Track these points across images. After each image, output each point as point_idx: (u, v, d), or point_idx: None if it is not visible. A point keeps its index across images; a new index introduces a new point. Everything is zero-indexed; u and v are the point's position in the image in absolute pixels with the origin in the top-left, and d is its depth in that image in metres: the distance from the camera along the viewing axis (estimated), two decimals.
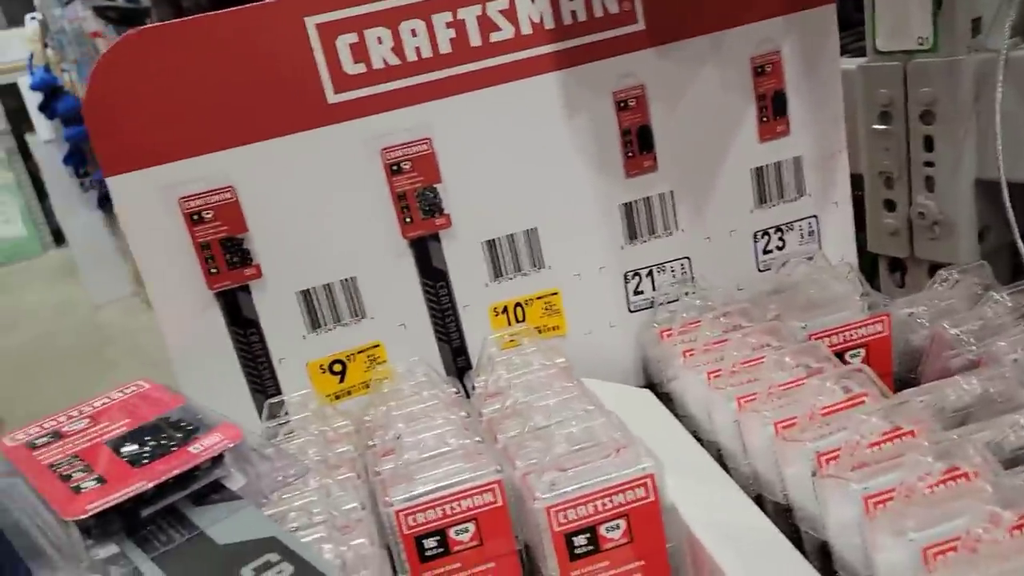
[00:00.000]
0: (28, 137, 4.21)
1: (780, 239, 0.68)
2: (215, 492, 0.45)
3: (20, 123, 4.36)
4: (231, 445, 0.44)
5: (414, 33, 0.57)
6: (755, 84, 0.64)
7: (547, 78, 0.60)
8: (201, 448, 0.43)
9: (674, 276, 0.67)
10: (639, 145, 0.63)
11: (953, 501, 0.39)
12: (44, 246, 4.65)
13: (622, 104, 0.62)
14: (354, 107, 0.58)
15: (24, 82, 3.92)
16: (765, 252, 0.68)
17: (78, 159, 3.77)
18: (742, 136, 0.65)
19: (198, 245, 0.57)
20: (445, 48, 0.58)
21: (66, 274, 4.15)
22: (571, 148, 0.62)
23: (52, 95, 3.65)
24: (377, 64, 0.57)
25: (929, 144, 0.67)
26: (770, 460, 0.50)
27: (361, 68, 0.57)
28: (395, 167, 0.59)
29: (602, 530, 0.47)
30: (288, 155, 0.57)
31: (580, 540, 0.47)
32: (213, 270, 0.58)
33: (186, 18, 0.54)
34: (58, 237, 4.39)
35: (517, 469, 0.50)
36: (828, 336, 0.59)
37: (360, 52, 0.57)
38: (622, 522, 0.47)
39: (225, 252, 0.58)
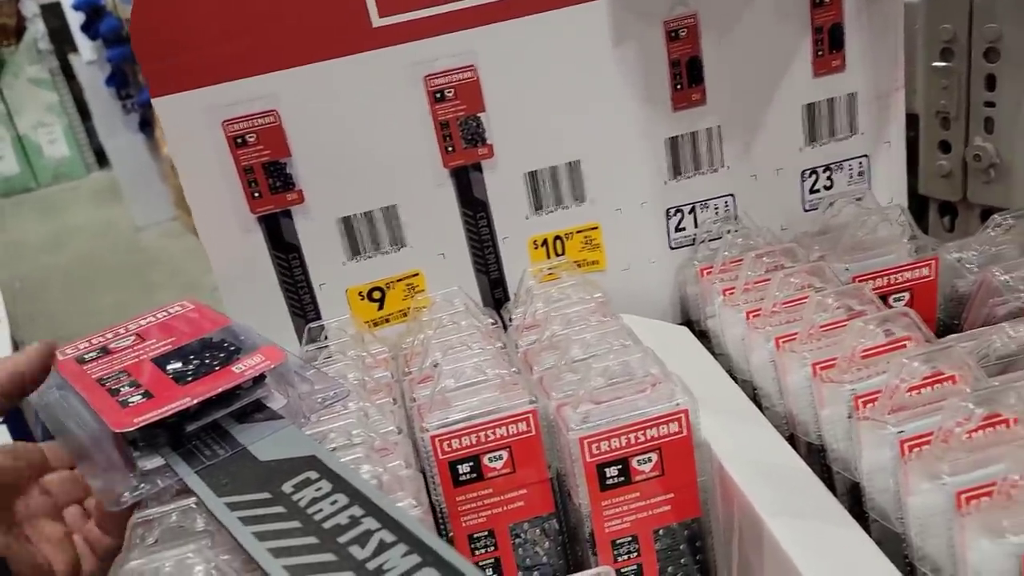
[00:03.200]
0: (71, 57, 4.24)
1: (828, 179, 0.66)
2: (257, 411, 0.46)
3: (63, 43, 4.38)
4: (273, 366, 0.45)
5: None
6: (812, 16, 0.62)
7: (596, 4, 0.59)
8: (243, 368, 0.44)
9: (717, 213, 0.66)
10: (688, 77, 0.62)
11: (991, 447, 0.39)
12: (87, 167, 4.71)
13: (673, 34, 0.60)
14: (398, 31, 0.57)
15: (67, 1, 3.92)
16: (812, 192, 0.67)
17: (120, 80, 3.79)
18: (795, 70, 0.63)
19: (241, 169, 0.57)
20: None
21: (109, 196, 4.22)
22: (618, 79, 0.61)
23: (94, 15, 3.65)
24: None
25: (991, 83, 0.64)
26: (806, 400, 0.50)
27: None
28: (438, 95, 0.59)
29: (634, 462, 0.48)
30: (332, 79, 0.57)
31: (612, 471, 0.48)
32: (256, 194, 0.58)
33: None
34: (100, 158, 4.45)
35: (552, 400, 0.50)
36: (872, 278, 0.58)
37: None
38: (654, 455, 0.48)
39: (268, 176, 0.58)
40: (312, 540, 0.36)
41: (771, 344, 0.53)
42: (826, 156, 0.66)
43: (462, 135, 0.60)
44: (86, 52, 3.93)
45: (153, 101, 0.55)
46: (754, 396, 0.56)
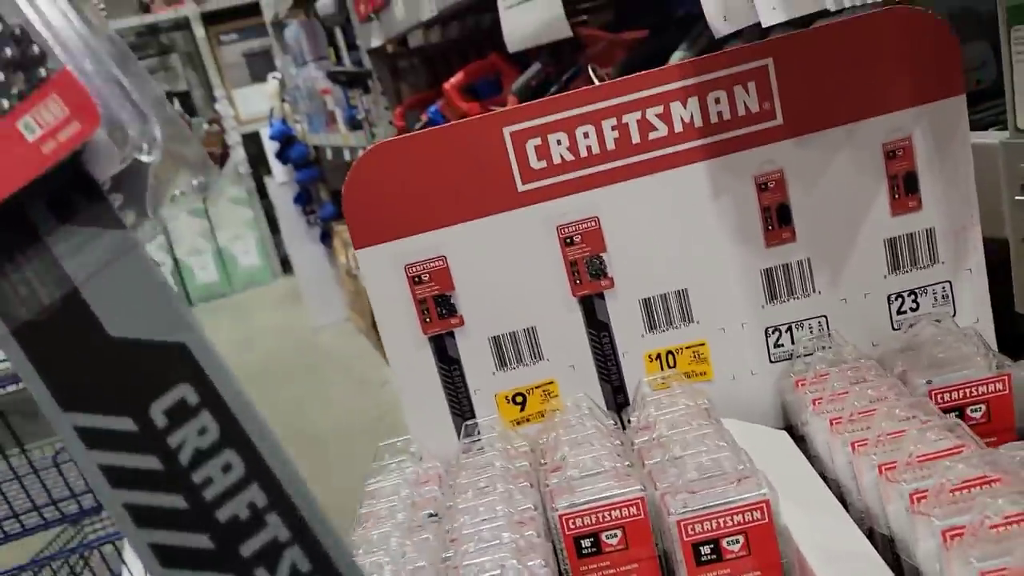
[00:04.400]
0: (266, 179, 4.85)
1: (914, 301, 0.75)
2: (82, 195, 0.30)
3: (259, 167, 5.03)
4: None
5: (586, 135, 0.72)
6: (887, 167, 0.72)
7: (696, 167, 0.73)
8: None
9: (811, 332, 0.76)
10: (778, 220, 0.74)
11: (1016, 538, 0.47)
12: (274, 274, 5.26)
13: (762, 186, 0.73)
14: (537, 194, 0.73)
15: (264, 132, 4.52)
16: (899, 313, 0.76)
17: (305, 199, 4.27)
18: (875, 211, 0.73)
19: (417, 301, 0.75)
20: (611, 146, 0.72)
21: (292, 299, 4.69)
22: (717, 223, 0.74)
23: (287, 143, 4.17)
24: (556, 160, 0.72)
25: None
26: (876, 496, 0.59)
27: (543, 164, 0.72)
28: (568, 240, 0.74)
29: (724, 543, 0.58)
30: (486, 232, 0.73)
31: (705, 550, 0.59)
32: (427, 320, 0.75)
33: (415, 132, 0.71)
34: (286, 266, 4.98)
35: (658, 489, 0.62)
36: (950, 391, 0.66)
37: (543, 151, 0.72)
38: (741, 537, 0.58)
39: (436, 306, 0.75)
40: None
41: (848, 448, 0.62)
42: (910, 282, 0.75)
43: (587, 271, 0.75)
44: (279, 175, 4.49)
45: (356, 252, 0.73)
46: (839, 493, 0.65)
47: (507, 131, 0.72)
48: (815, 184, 0.73)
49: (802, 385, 0.72)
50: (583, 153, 0.72)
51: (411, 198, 0.73)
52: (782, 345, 0.77)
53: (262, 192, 5.06)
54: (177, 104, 5.09)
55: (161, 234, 4.93)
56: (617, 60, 1.26)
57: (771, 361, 0.77)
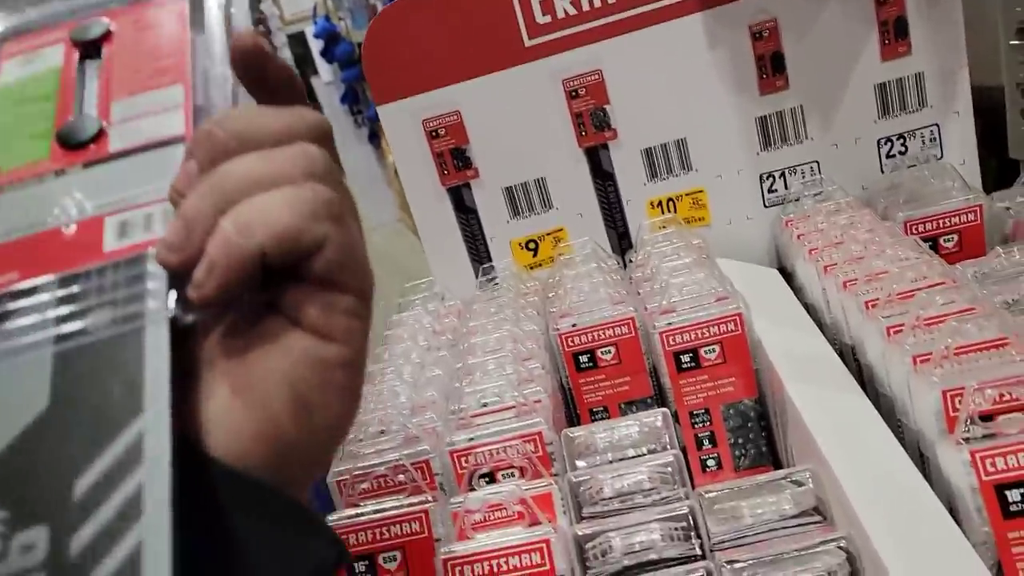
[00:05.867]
0: (312, 80, 4.89)
1: (903, 145, 0.79)
2: None
3: (305, 67, 5.07)
4: None
5: None
6: (877, 12, 0.75)
7: (694, 17, 0.77)
8: None
9: (804, 177, 0.81)
10: (772, 68, 0.78)
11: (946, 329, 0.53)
12: None
13: (757, 35, 0.77)
14: (543, 48, 0.78)
15: (308, 31, 4.53)
16: (888, 156, 0.80)
17: (352, 98, 4.32)
18: (865, 57, 0.77)
19: (435, 154, 0.82)
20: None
21: None
22: (714, 73, 0.78)
23: (331, 41, 4.19)
24: (560, 14, 0.77)
25: None
26: (840, 308, 0.65)
27: (548, 19, 0.77)
28: (573, 93, 0.79)
29: (702, 351, 0.66)
30: (497, 86, 0.79)
31: (685, 358, 0.66)
32: (445, 172, 0.82)
33: None
34: None
35: (647, 310, 0.69)
36: (924, 222, 0.71)
37: (547, 6, 0.77)
38: (717, 347, 0.65)
39: (453, 159, 0.82)
40: None
41: (821, 271, 0.68)
42: (899, 126, 0.78)
43: (592, 123, 0.80)
44: (324, 74, 4.53)
45: (377, 107, 0.80)
46: (817, 317, 0.71)
47: None
48: (808, 32, 0.76)
49: (790, 224, 0.78)
50: (585, 7, 0.77)
51: (426, 55, 0.79)
52: (776, 190, 0.82)
53: (309, 94, 5.11)
54: None
55: None
56: None
57: (765, 206, 0.82)
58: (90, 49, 0.39)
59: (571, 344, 0.70)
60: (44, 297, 0.31)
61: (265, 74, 0.34)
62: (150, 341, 0.30)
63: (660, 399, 0.71)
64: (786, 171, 0.81)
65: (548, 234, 0.85)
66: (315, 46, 4.38)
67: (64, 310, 0.31)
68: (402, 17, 0.78)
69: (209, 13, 0.40)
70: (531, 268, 0.86)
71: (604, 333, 0.70)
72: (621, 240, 0.85)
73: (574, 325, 0.70)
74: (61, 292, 0.31)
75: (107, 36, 0.39)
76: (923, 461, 0.52)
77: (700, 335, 0.65)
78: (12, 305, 0.31)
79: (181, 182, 0.32)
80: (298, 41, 5.04)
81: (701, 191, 0.82)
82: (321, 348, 0.31)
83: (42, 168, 0.35)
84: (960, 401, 0.48)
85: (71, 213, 0.33)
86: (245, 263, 0.29)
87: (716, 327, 0.65)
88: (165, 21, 0.40)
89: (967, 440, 0.47)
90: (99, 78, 0.38)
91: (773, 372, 0.64)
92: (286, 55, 5.13)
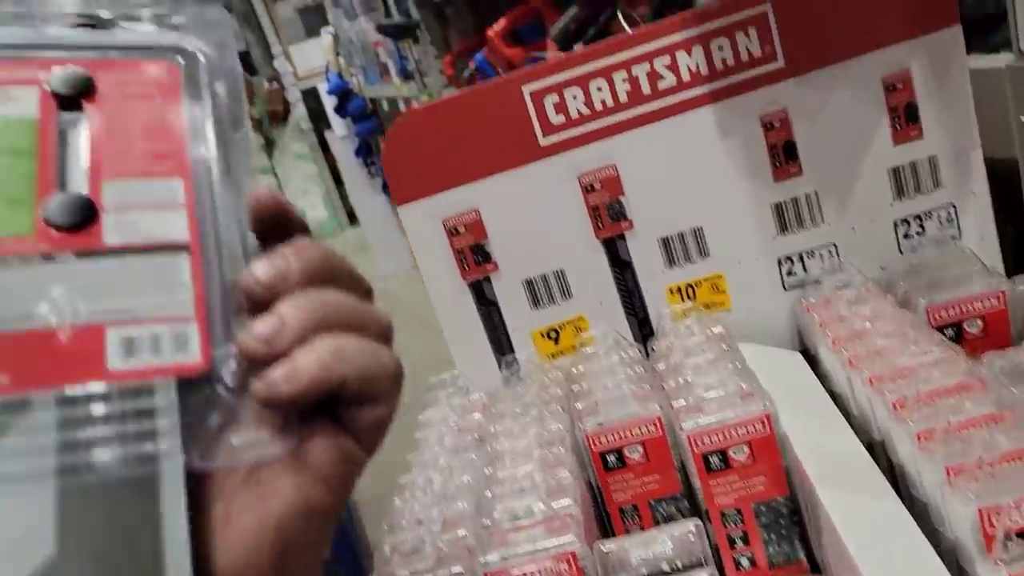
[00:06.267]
0: (327, 134, 4.97)
1: (920, 226, 0.79)
2: None
3: (319, 122, 5.15)
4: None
5: (599, 89, 0.78)
6: (887, 99, 0.76)
7: (704, 111, 0.78)
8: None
9: (823, 260, 0.81)
10: (785, 156, 0.79)
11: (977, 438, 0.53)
12: (342, 226, 5.42)
13: (768, 125, 0.78)
14: (558, 146, 0.79)
15: (322, 87, 4.61)
16: (906, 237, 0.80)
17: (366, 151, 4.38)
18: (877, 142, 0.77)
19: (455, 250, 0.83)
20: (623, 97, 0.78)
21: (359, 250, 4.85)
22: (727, 162, 0.79)
23: (344, 97, 4.25)
24: (573, 114, 0.78)
25: None
26: (867, 403, 0.65)
27: (562, 118, 0.79)
28: (589, 187, 0.81)
29: (731, 452, 0.66)
30: (514, 183, 0.81)
31: (715, 459, 0.66)
32: (465, 267, 0.83)
33: (441, 99, 0.78)
34: (352, 218, 5.13)
35: (674, 408, 0.69)
36: (947, 308, 0.71)
37: (560, 107, 0.78)
38: (745, 447, 0.65)
39: (473, 254, 0.83)
40: None
41: (846, 364, 0.68)
42: (915, 208, 0.79)
43: (608, 214, 0.81)
44: (338, 128, 4.60)
45: (398, 208, 0.82)
46: (842, 406, 0.71)
47: (526, 90, 0.78)
48: (819, 120, 0.77)
49: (811, 309, 0.78)
50: (598, 106, 0.78)
51: (444, 157, 0.80)
52: (795, 273, 0.82)
53: (324, 146, 5.19)
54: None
55: None
56: None
57: (785, 289, 0.83)
58: (68, 103, 0.34)
59: (598, 444, 0.70)
60: (43, 417, 0.29)
61: (286, 228, 0.35)
62: (167, 491, 0.29)
63: (689, 494, 0.70)
64: (804, 254, 0.82)
65: (569, 323, 0.85)
66: (329, 102, 4.45)
67: (66, 436, 0.29)
68: (420, 122, 0.79)
69: (202, 83, 0.36)
70: (553, 356, 0.86)
71: (631, 432, 0.70)
72: (642, 326, 0.85)
73: (600, 424, 0.70)
74: (62, 413, 0.29)
75: (89, 91, 0.35)
76: (961, 573, 0.52)
77: (728, 436, 0.65)
78: (6, 418, 0.29)
79: (270, 276, 0.32)
80: (312, 96, 5.13)
81: (720, 276, 0.83)
82: (315, 495, 0.31)
83: (27, 247, 0.31)
84: (997, 518, 0.48)
85: (65, 313, 0.31)
86: (324, 385, 0.30)
87: (744, 428, 0.65)
88: (156, 88, 0.36)
89: (1006, 562, 0.46)
90: (83, 145, 0.34)
91: (803, 472, 0.64)
92: (300, 110, 5.23)
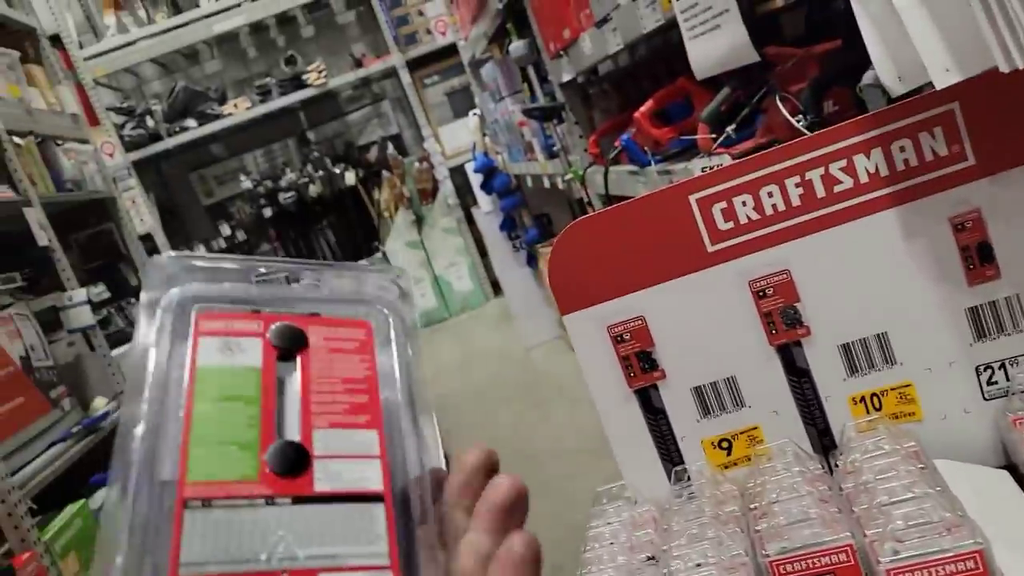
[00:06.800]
0: (472, 209, 5.14)
1: None
2: None
3: (466, 197, 5.33)
4: None
5: (770, 195, 0.75)
6: None
7: (886, 214, 0.74)
8: None
9: None
10: (979, 258, 0.73)
11: None
12: (486, 297, 5.53)
13: (959, 226, 0.73)
14: (727, 252, 0.78)
15: (468, 165, 4.79)
16: None
17: (511, 225, 4.48)
18: None
19: (620, 357, 0.82)
20: (796, 202, 0.75)
21: (504, 321, 4.92)
22: (913, 265, 0.74)
23: (490, 174, 4.39)
24: (743, 220, 0.77)
25: None
26: None
27: (730, 225, 0.77)
28: (761, 293, 0.78)
29: None
30: (681, 291, 0.79)
31: None
32: (631, 374, 0.82)
33: (607, 209, 0.79)
34: (497, 289, 5.23)
35: (867, 536, 0.64)
36: None
37: (729, 214, 0.77)
38: None
39: (639, 361, 0.81)
40: None
41: None
42: None
43: (782, 320, 0.78)
44: (484, 204, 4.74)
45: (564, 317, 0.82)
46: None
47: (693, 199, 0.77)
48: (1016, 220, 0.71)
49: (1019, 424, 0.71)
50: (769, 212, 0.76)
51: (608, 266, 0.80)
52: (996, 382, 0.75)
53: (470, 220, 5.35)
54: (391, 147, 5.52)
55: None
56: (809, 75, 1.25)
57: (985, 399, 0.76)
58: (285, 354, 0.39)
59: (783, 572, 0.66)
60: None
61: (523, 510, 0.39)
62: None
63: None
64: (1006, 362, 0.75)
65: (742, 433, 0.82)
66: (475, 179, 4.61)
67: None
68: (584, 232, 0.80)
69: (391, 334, 0.41)
70: (725, 467, 0.83)
71: (820, 561, 0.65)
72: (822, 437, 0.80)
73: (784, 550, 0.66)
74: None
75: (302, 344, 0.39)
76: None
77: (935, 574, 0.60)
78: None
79: (466, 496, 0.38)
80: (459, 174, 5.33)
81: (909, 385, 0.77)
82: None
83: (254, 491, 0.35)
84: None
85: (281, 556, 0.34)
86: None
87: (953, 566, 0.59)
88: (354, 344, 0.40)
89: None
90: (296, 394, 0.38)
91: None
92: (448, 187, 5.44)
